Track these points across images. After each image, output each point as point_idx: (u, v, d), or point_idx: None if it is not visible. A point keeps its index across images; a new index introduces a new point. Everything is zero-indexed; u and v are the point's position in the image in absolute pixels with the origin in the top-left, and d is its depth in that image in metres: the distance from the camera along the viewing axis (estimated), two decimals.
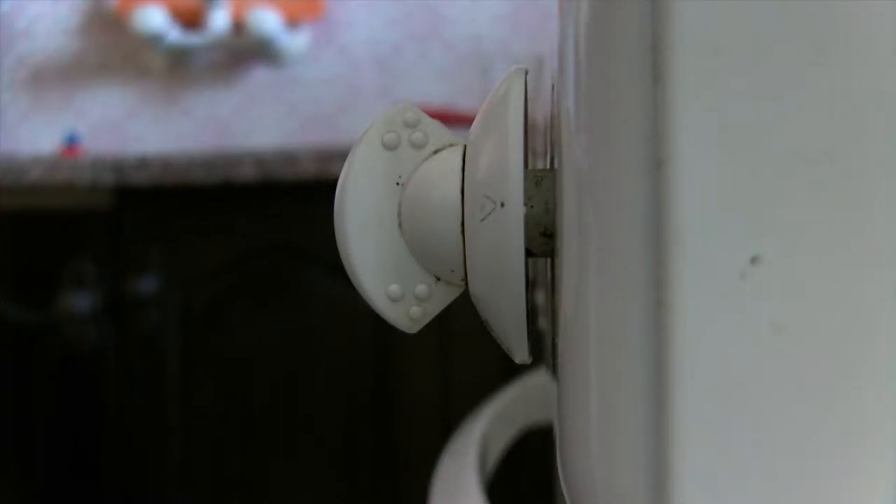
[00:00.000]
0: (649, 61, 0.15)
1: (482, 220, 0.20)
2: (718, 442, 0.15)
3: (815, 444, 0.15)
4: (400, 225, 0.21)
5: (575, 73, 0.17)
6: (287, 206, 1.11)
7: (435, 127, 0.22)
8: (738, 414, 0.15)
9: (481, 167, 0.20)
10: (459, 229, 0.20)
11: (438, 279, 0.22)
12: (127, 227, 1.15)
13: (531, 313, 0.21)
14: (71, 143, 1.49)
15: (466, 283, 0.21)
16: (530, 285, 0.20)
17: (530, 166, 0.21)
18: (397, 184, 0.22)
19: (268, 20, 1.47)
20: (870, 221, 0.14)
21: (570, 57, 0.18)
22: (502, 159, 0.20)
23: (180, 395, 1.14)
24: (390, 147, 0.21)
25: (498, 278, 0.20)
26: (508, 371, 0.90)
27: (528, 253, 0.20)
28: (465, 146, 0.21)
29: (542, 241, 0.20)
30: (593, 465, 0.17)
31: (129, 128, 1.61)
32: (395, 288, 0.22)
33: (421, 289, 0.22)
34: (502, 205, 0.19)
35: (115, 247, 1.16)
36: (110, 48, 1.63)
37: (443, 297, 0.22)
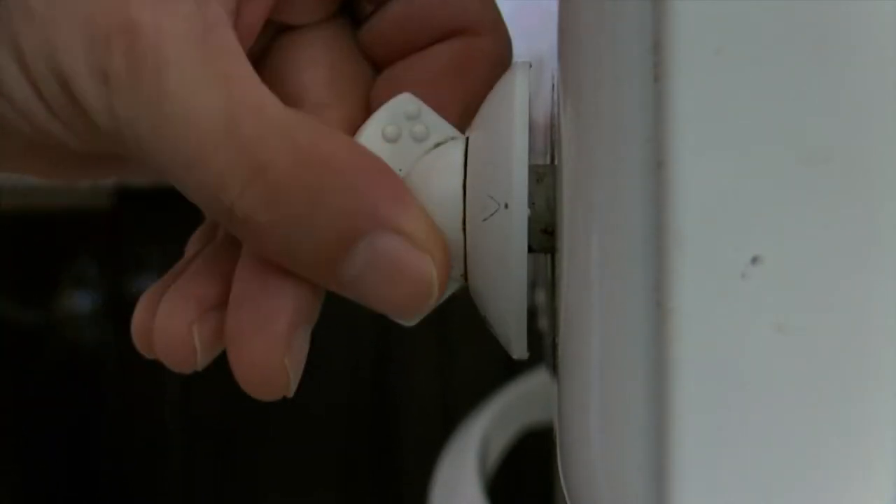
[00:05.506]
0: (649, 61, 0.15)
1: (484, 219, 0.20)
2: (719, 442, 0.15)
3: (817, 444, 0.15)
4: None
5: (575, 73, 0.17)
6: None
7: (436, 119, 0.21)
8: (738, 414, 0.15)
9: (484, 165, 0.20)
10: (461, 226, 0.20)
11: None
12: (127, 227, 1.15)
13: (531, 312, 0.21)
14: None
15: (466, 279, 0.21)
16: (531, 284, 0.20)
17: (531, 163, 0.20)
18: None
19: None
20: (871, 221, 0.14)
21: (570, 57, 0.18)
22: (507, 159, 0.19)
23: (180, 396, 1.14)
24: (391, 139, 0.21)
25: (499, 276, 0.20)
26: (509, 370, 0.90)
27: (530, 249, 0.20)
28: (467, 139, 0.21)
29: (544, 238, 0.20)
30: (594, 465, 0.17)
31: None
32: None
33: None
34: (506, 206, 0.19)
35: (115, 247, 1.16)
36: None
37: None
